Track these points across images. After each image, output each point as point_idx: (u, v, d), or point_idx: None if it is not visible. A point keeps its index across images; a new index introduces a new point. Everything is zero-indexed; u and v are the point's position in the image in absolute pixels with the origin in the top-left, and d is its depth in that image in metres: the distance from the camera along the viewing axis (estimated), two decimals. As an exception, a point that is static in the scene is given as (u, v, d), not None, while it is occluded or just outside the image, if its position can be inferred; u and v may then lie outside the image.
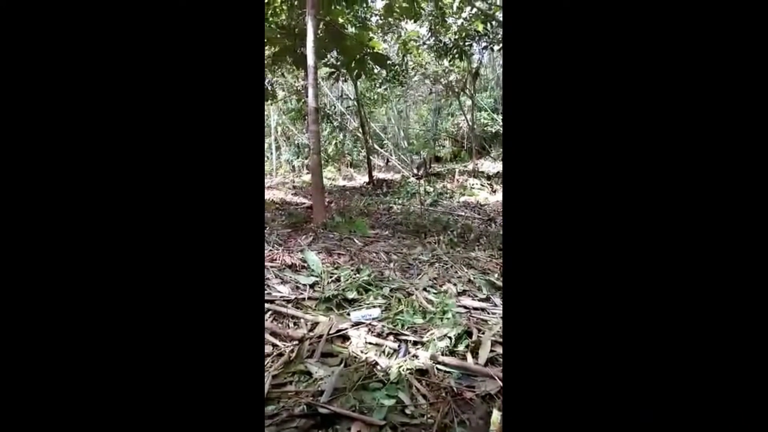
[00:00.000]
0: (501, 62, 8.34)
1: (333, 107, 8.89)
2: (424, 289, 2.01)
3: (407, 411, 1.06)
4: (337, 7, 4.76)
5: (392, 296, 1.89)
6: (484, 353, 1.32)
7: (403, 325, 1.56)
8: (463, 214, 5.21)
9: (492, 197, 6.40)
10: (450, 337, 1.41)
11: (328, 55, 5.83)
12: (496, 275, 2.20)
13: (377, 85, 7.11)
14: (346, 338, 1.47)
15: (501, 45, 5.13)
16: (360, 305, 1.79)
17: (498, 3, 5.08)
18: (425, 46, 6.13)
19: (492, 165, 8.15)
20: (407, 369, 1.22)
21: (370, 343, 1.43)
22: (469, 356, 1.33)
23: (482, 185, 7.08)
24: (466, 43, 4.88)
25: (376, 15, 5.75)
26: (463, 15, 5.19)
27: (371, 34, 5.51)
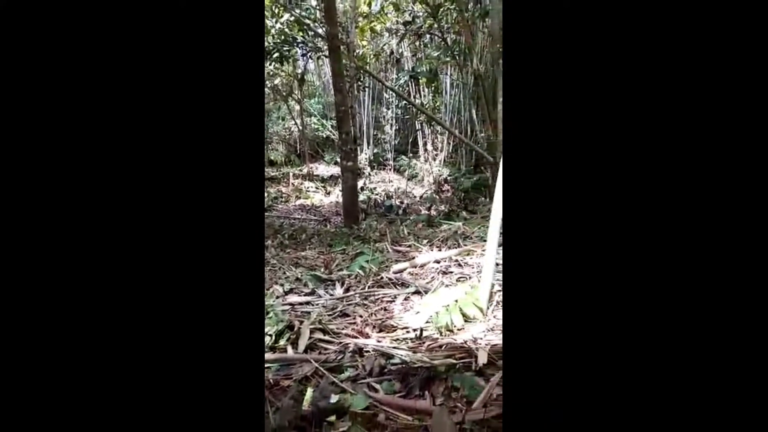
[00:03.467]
0: (326, 70, 8.77)
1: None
2: (250, 295, 1.96)
3: (220, 417, 1.03)
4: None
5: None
6: (303, 341, 1.40)
7: (221, 334, 1.50)
8: (299, 216, 5.27)
9: (326, 199, 6.70)
10: (270, 335, 1.44)
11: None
12: (321, 269, 2.35)
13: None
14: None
15: (326, 53, 5.40)
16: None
17: (316, 14, 5.34)
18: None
19: (326, 168, 8.50)
20: (221, 376, 1.19)
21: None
22: (289, 347, 1.39)
23: (317, 188, 7.31)
24: (285, 48, 4.94)
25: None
26: (281, 20, 5.23)
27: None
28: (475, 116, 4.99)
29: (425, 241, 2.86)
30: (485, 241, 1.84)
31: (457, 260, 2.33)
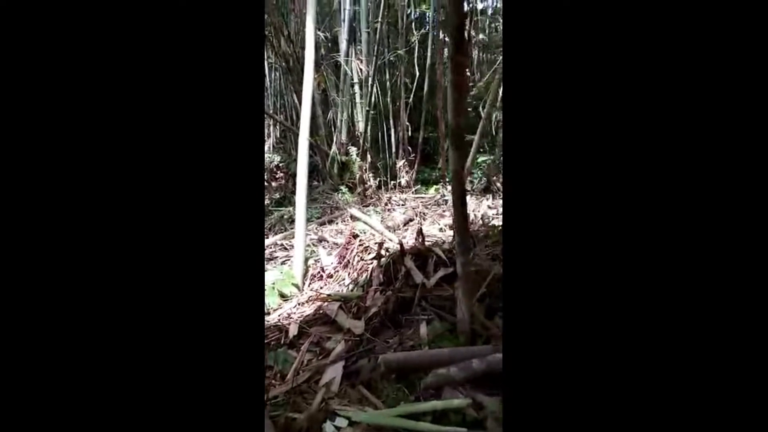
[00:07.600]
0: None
1: None
2: None
3: None
4: None
5: None
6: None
7: None
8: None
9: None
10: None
11: None
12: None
13: None
14: None
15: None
16: None
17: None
18: None
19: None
20: None
21: None
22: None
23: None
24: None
25: None
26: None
27: None
28: (296, 100, 4.96)
29: (252, 231, 2.73)
30: (308, 222, 1.89)
31: (282, 244, 2.32)
